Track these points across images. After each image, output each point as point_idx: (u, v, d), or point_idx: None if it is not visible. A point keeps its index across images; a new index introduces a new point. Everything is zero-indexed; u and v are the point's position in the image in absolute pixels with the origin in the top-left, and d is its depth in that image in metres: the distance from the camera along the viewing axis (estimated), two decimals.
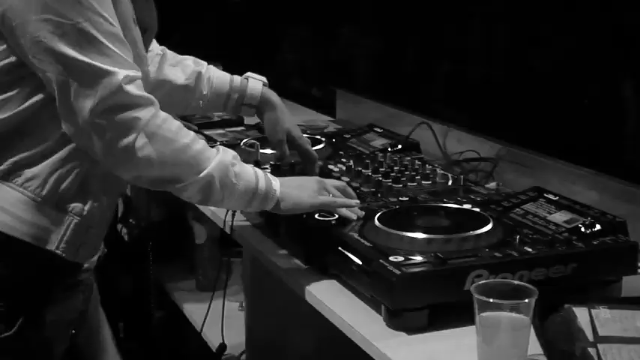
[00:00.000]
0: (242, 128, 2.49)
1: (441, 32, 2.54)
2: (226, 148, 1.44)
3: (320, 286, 1.52)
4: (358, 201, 1.60)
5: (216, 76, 1.81)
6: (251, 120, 2.43)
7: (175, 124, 1.35)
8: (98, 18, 1.27)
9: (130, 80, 1.29)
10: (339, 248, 1.48)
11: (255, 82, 1.80)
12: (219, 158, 1.39)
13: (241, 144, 2.03)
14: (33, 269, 1.39)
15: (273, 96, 1.81)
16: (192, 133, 1.38)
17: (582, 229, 1.50)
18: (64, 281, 1.45)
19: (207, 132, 2.38)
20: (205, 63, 1.83)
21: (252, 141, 1.93)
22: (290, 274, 1.60)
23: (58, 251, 1.38)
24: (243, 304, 2.34)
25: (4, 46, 1.31)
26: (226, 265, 2.21)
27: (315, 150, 1.86)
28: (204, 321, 2.25)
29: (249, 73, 1.82)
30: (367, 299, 1.44)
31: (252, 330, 2.23)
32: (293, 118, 1.83)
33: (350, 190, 1.62)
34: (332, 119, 2.88)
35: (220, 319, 2.15)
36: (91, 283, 1.60)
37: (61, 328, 1.48)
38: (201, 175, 1.36)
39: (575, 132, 2.02)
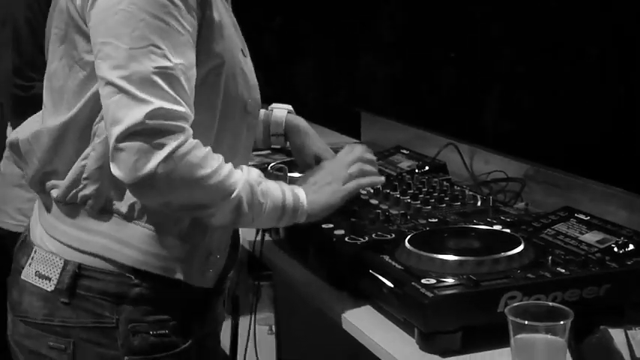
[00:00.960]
0: (268, 152, 2.50)
1: (466, 53, 2.55)
2: (251, 168, 1.44)
3: (352, 309, 1.52)
4: (382, 178, 1.58)
5: None
6: None
7: (203, 151, 1.33)
8: (155, 49, 1.28)
9: (163, 111, 1.27)
10: (371, 271, 1.48)
11: (279, 112, 1.81)
12: (245, 178, 1.38)
13: (269, 168, 2.04)
14: (180, 289, 1.43)
15: (299, 122, 1.81)
16: (219, 157, 1.36)
17: (615, 249, 1.49)
18: (216, 290, 1.51)
19: None
20: None
21: (280, 165, 1.93)
22: (320, 298, 1.60)
23: (185, 279, 1.41)
24: (273, 328, 2.34)
25: None
26: (256, 288, 2.21)
27: None
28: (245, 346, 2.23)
29: (274, 104, 1.84)
30: (399, 322, 1.44)
31: (283, 354, 2.23)
32: (322, 141, 1.84)
33: (369, 155, 1.58)
34: (357, 141, 2.88)
35: (247, 342, 2.14)
36: (227, 291, 1.65)
37: (216, 334, 1.57)
38: (230, 198, 1.35)
39: (604, 150, 2.01)
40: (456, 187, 1.95)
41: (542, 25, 2.21)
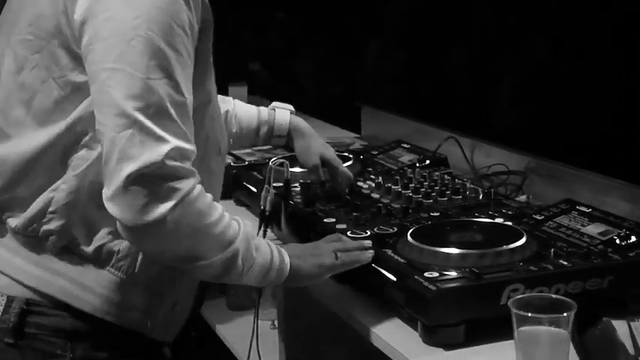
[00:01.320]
0: (269, 147, 2.50)
1: (466, 46, 2.55)
2: (245, 220, 1.35)
3: (354, 303, 1.52)
4: (367, 255, 1.49)
5: (244, 112, 1.79)
6: None
7: (209, 197, 1.26)
8: (170, 81, 1.20)
9: (178, 151, 1.20)
10: (373, 265, 1.48)
11: (282, 112, 1.79)
12: (243, 230, 1.31)
13: (270, 163, 2.04)
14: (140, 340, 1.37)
15: (302, 123, 1.81)
16: (219, 206, 1.29)
17: (617, 241, 1.49)
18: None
19: (234, 151, 2.38)
20: (231, 99, 1.81)
21: (282, 160, 1.93)
22: (323, 292, 1.60)
23: (147, 332, 1.35)
24: (275, 323, 2.34)
25: None
26: None
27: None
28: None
29: (275, 103, 1.82)
30: (403, 315, 1.44)
31: (287, 348, 2.23)
32: (322, 139, 1.84)
33: (345, 238, 1.53)
34: (357, 136, 2.88)
35: (251, 338, 2.14)
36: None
37: None
38: (228, 249, 1.28)
39: (606, 143, 2.02)
40: (457, 180, 1.95)
41: (543, 21, 2.21)
